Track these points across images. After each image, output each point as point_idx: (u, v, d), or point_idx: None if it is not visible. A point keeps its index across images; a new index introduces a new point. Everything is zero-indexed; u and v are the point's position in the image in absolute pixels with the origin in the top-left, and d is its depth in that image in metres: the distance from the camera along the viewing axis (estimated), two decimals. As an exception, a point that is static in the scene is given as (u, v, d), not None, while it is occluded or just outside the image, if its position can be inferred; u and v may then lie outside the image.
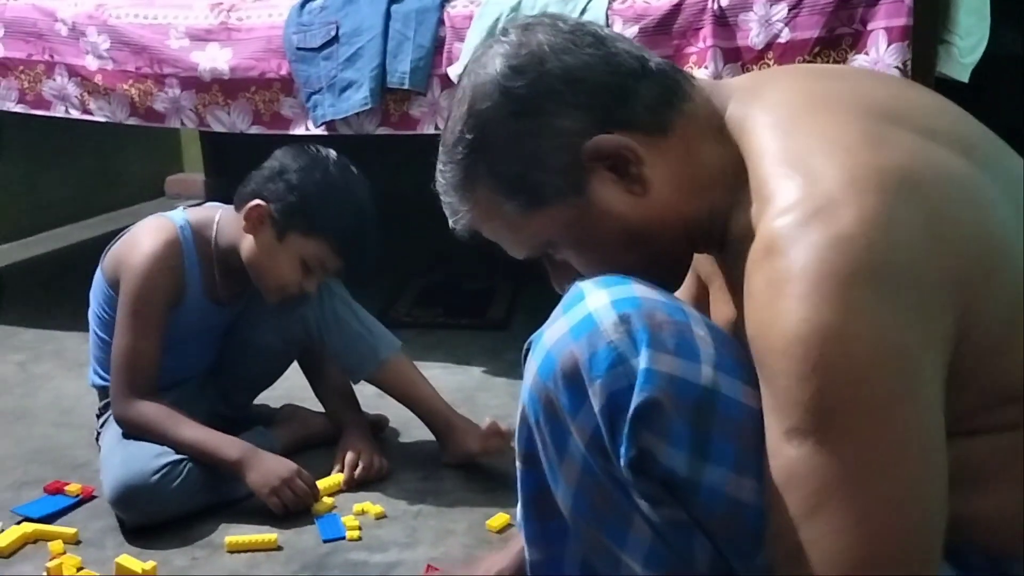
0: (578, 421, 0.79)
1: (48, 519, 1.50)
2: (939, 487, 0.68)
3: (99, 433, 1.67)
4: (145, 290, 1.57)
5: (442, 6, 2.04)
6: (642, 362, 0.75)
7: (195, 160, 4.03)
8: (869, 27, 1.73)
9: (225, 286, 1.69)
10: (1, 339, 2.41)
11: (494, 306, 2.56)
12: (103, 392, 1.69)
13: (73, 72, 2.28)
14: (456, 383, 2.00)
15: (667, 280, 0.87)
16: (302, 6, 2.14)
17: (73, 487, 1.58)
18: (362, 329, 1.70)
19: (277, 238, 1.59)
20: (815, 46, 1.76)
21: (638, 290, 0.79)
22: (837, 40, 1.76)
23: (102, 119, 2.29)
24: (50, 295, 2.76)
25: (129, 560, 1.35)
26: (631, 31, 1.88)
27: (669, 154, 0.83)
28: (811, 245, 0.67)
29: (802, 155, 0.74)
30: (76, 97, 2.29)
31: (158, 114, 2.24)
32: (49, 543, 1.41)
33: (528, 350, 0.86)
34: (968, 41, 1.80)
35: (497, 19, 1.95)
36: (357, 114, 2.07)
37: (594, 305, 0.79)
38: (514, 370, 1.90)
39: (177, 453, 1.51)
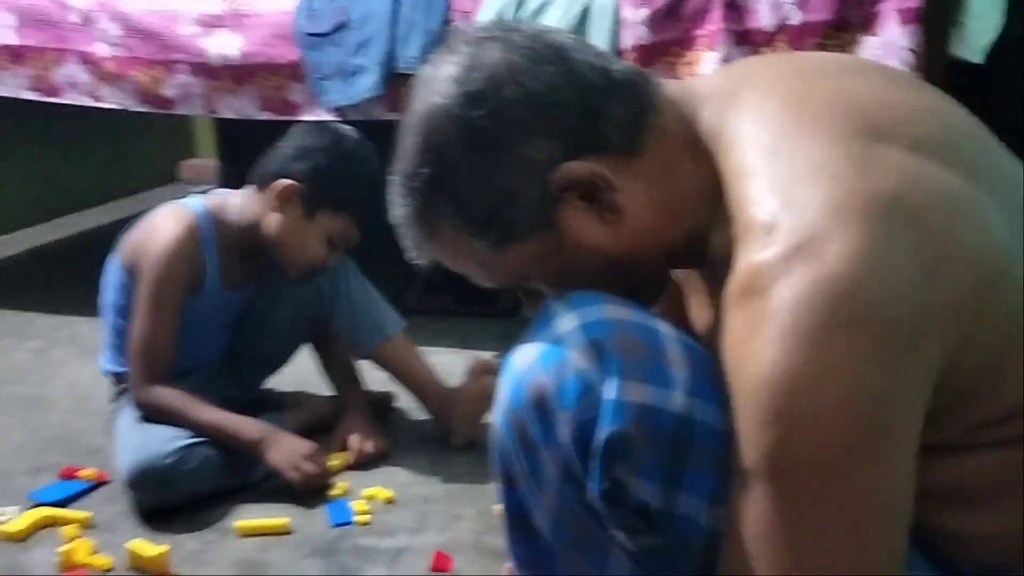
0: (549, 451, 0.76)
1: (62, 504, 1.52)
2: (892, 551, 0.65)
3: (113, 418, 1.69)
4: (165, 277, 1.58)
5: (451, -9, 2.04)
6: (612, 392, 0.72)
7: (208, 146, 4.05)
8: (880, 8, 1.71)
9: (243, 270, 1.71)
10: (17, 326, 2.43)
11: (503, 294, 2.56)
12: (117, 378, 1.71)
13: (84, 59, 2.29)
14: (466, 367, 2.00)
15: (644, 299, 0.83)
16: (311, -8, 2.14)
17: (87, 472, 1.60)
18: (370, 304, 1.74)
19: (306, 216, 1.61)
20: (826, 28, 1.75)
21: (609, 311, 0.76)
22: (848, 22, 1.74)
23: (113, 106, 2.30)
24: (65, 281, 2.78)
25: (142, 544, 1.37)
26: (640, 14, 1.87)
27: (642, 177, 0.77)
28: (791, 286, 0.64)
29: (784, 181, 0.69)
30: (87, 84, 2.30)
31: (168, 100, 2.24)
32: (63, 527, 1.43)
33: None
34: (981, 23, 1.77)
35: (506, 2, 1.94)
36: (366, 100, 2.07)
37: (563, 329, 0.76)
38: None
39: (197, 435, 1.53)
